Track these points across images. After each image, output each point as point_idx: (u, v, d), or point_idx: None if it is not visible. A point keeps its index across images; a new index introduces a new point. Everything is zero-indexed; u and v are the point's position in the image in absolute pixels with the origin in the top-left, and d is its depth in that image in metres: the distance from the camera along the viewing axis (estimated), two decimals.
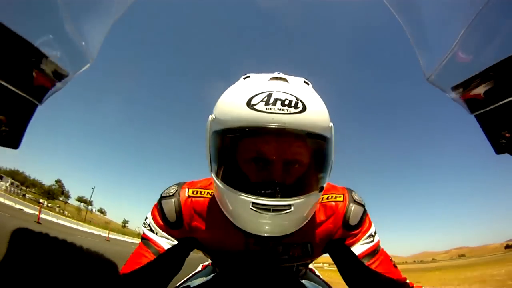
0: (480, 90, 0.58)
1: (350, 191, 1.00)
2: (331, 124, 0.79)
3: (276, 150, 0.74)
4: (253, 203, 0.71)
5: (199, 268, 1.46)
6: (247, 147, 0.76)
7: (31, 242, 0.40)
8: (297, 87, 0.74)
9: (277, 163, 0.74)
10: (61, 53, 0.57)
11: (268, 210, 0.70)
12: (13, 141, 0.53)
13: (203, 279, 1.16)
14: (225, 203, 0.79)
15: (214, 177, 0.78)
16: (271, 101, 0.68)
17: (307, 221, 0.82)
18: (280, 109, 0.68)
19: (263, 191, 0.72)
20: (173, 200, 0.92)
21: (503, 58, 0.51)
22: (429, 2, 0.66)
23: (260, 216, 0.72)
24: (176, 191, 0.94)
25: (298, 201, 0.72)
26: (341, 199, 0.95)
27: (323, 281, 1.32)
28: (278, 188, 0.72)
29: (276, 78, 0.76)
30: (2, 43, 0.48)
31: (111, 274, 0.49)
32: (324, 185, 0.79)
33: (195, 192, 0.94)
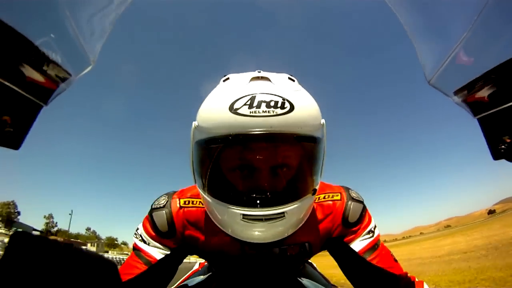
0: (484, 93, 0.57)
1: (347, 189, 0.98)
2: (323, 121, 0.75)
3: (261, 156, 0.69)
4: (243, 215, 0.68)
5: (197, 267, 1.47)
6: (231, 155, 0.72)
7: (30, 245, 0.41)
8: (281, 85, 0.70)
9: (264, 169, 0.70)
10: (64, 54, 0.57)
11: (260, 220, 0.68)
12: (15, 142, 0.53)
13: (201, 278, 1.17)
14: (215, 216, 0.77)
15: (200, 190, 0.76)
16: (255, 103, 0.64)
17: (303, 223, 0.80)
18: (266, 111, 0.64)
19: (252, 201, 0.68)
20: (164, 211, 0.90)
21: (505, 60, 0.50)
22: (431, 3, 0.65)
23: (253, 226, 0.69)
24: (167, 202, 0.92)
25: (291, 207, 0.69)
26: (338, 197, 0.94)
27: (321, 274, 1.32)
28: (268, 196, 0.69)
29: (258, 78, 0.72)
30: (6, 44, 0.48)
31: (111, 275, 0.49)
32: (317, 187, 0.76)
33: (186, 202, 0.92)
